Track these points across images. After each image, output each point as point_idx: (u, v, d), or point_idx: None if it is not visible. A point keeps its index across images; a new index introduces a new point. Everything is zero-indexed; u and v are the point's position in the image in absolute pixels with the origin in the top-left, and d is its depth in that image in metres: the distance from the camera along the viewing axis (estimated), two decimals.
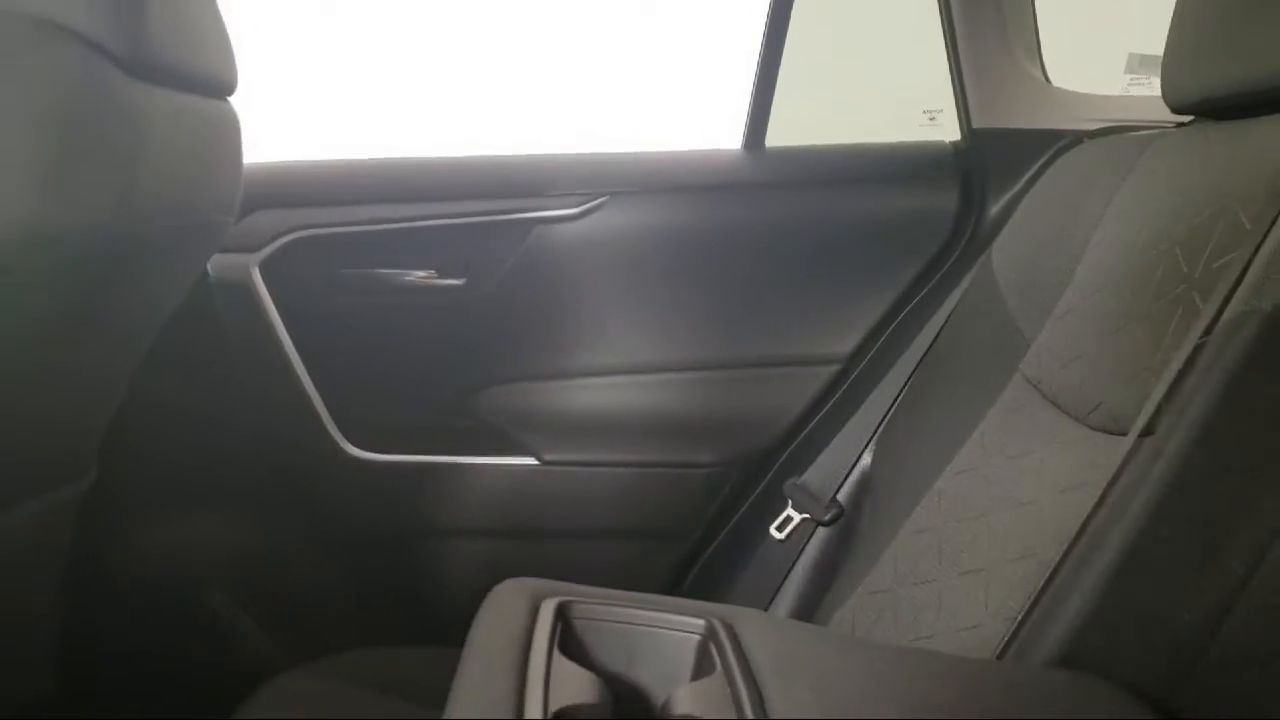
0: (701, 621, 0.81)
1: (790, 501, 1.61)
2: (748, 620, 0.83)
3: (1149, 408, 0.98)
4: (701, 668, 0.78)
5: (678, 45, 2.28)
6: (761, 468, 1.73)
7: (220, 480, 1.69)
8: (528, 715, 0.64)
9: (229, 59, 1.19)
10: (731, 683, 0.72)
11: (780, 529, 1.60)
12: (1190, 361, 0.95)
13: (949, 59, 1.69)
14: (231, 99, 1.23)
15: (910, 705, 0.77)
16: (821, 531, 1.58)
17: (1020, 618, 0.98)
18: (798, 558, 1.59)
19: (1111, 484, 0.98)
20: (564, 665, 0.73)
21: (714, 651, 0.77)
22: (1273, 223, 0.97)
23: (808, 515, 1.58)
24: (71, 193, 0.91)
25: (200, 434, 1.64)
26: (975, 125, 1.70)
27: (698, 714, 0.69)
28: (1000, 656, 0.98)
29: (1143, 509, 0.92)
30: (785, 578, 1.59)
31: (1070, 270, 1.26)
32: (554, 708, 0.66)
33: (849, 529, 1.55)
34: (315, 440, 1.70)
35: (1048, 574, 0.98)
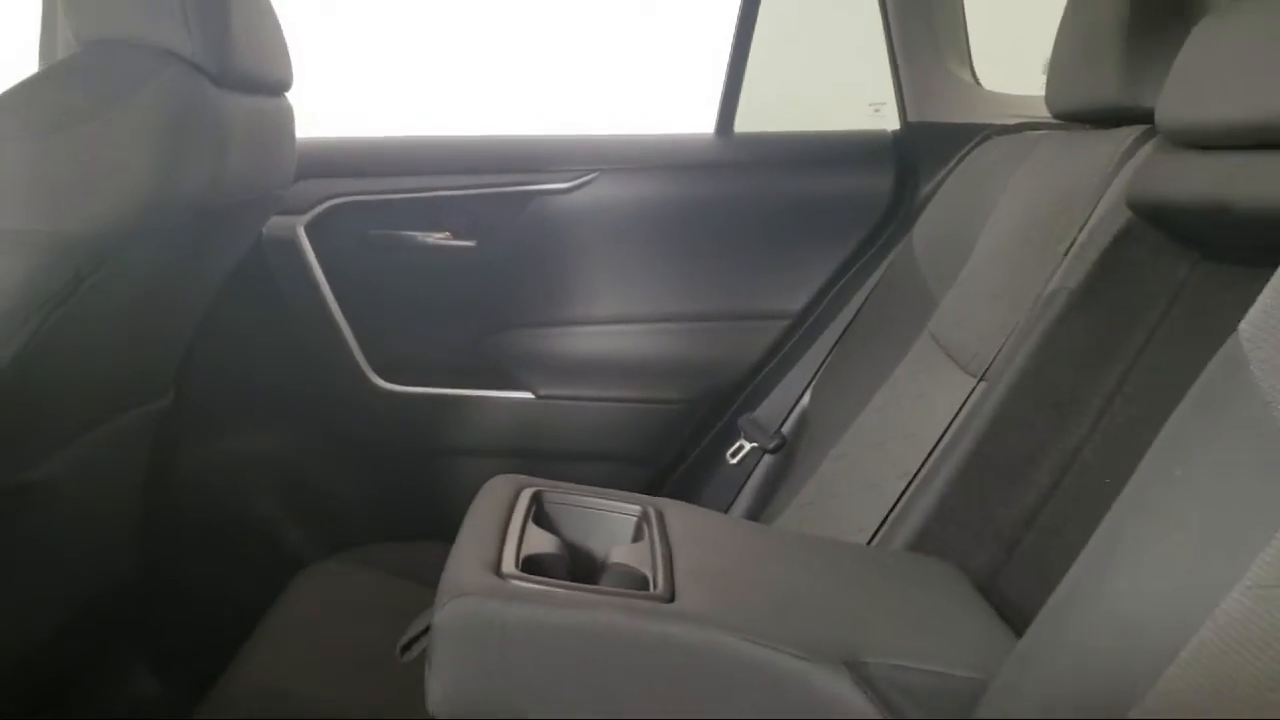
0: (638, 506, 1.06)
1: (743, 433, 1.84)
2: (672, 507, 1.08)
3: (989, 358, 1.25)
4: (636, 537, 1.03)
5: (668, 41, 2.48)
6: (721, 405, 1.95)
7: (268, 402, 1.93)
8: (505, 561, 0.89)
9: (287, 63, 1.44)
10: (652, 545, 0.97)
11: (734, 456, 1.83)
12: (1023, 324, 1.21)
13: (890, 61, 1.91)
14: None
15: (783, 562, 1.03)
16: (767, 458, 1.81)
17: (885, 515, 1.24)
18: (747, 479, 1.82)
19: (956, 415, 1.24)
20: (535, 531, 0.98)
21: (645, 526, 1.02)
22: (1087, 219, 1.22)
23: (756, 444, 1.80)
24: (177, 177, 1.17)
25: (253, 363, 1.87)
26: (910, 119, 1.92)
27: (626, 563, 0.95)
28: (870, 541, 1.24)
29: (976, 434, 1.17)
30: (737, 495, 1.82)
31: (971, 246, 1.49)
32: (523, 556, 0.91)
33: (788, 456, 1.77)
34: (348, 372, 1.93)
35: (910, 472, 1.24)
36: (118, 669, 1.73)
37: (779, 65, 2.06)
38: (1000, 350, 1.23)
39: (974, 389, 1.23)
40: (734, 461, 1.83)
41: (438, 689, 0.83)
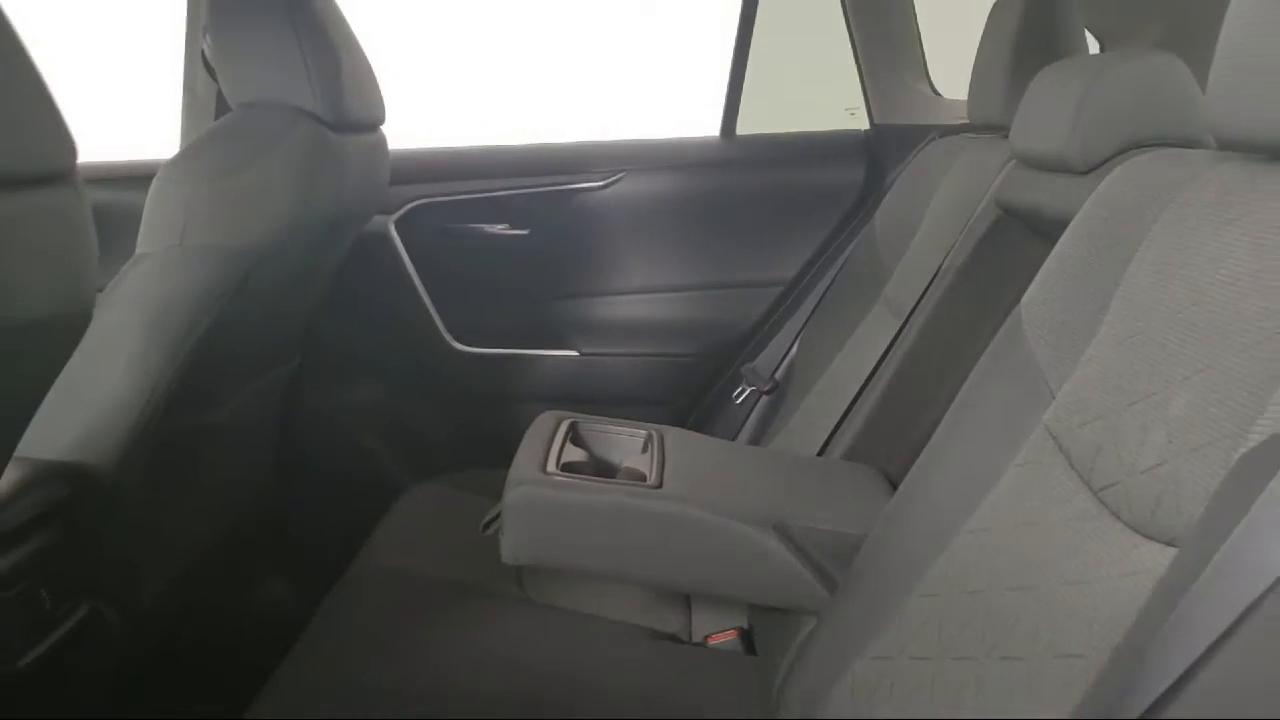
0: (645, 430, 1.42)
1: (744, 379, 2.15)
2: (670, 432, 1.44)
3: (909, 310, 1.56)
4: (643, 450, 1.39)
5: (686, 55, 2.77)
6: (727, 356, 2.26)
7: (370, 361, 2.25)
8: (549, 464, 1.26)
9: (381, 105, 1.78)
10: (652, 455, 1.34)
11: (738, 397, 2.14)
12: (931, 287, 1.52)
13: (858, 73, 2.22)
14: None
15: (741, 465, 1.39)
16: (764, 398, 2.13)
17: (830, 429, 1.57)
18: (748, 415, 2.13)
19: (891, 346, 1.55)
20: (570, 448, 1.35)
21: (649, 444, 1.39)
22: (975, 212, 1.54)
23: (755, 388, 2.13)
24: (309, 204, 1.53)
25: (358, 331, 2.19)
26: (877, 121, 2.23)
27: (633, 466, 1.32)
28: (819, 454, 1.58)
29: (899, 361, 1.50)
30: (740, 428, 2.13)
31: (916, 227, 1.80)
32: (562, 462, 1.28)
33: (780, 395, 2.08)
34: (430, 337, 2.25)
35: (850, 400, 1.56)
36: (255, 573, 2.05)
37: (773, 77, 2.34)
38: (916, 305, 1.56)
39: (899, 333, 1.55)
40: (738, 401, 2.15)
41: (508, 546, 1.21)
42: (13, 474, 1.28)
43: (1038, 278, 1.09)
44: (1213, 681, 0.52)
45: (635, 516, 1.20)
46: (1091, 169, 1.17)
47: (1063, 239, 1.08)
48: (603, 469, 1.35)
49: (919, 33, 2.20)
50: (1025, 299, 1.09)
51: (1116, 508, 0.80)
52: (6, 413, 1.08)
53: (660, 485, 1.24)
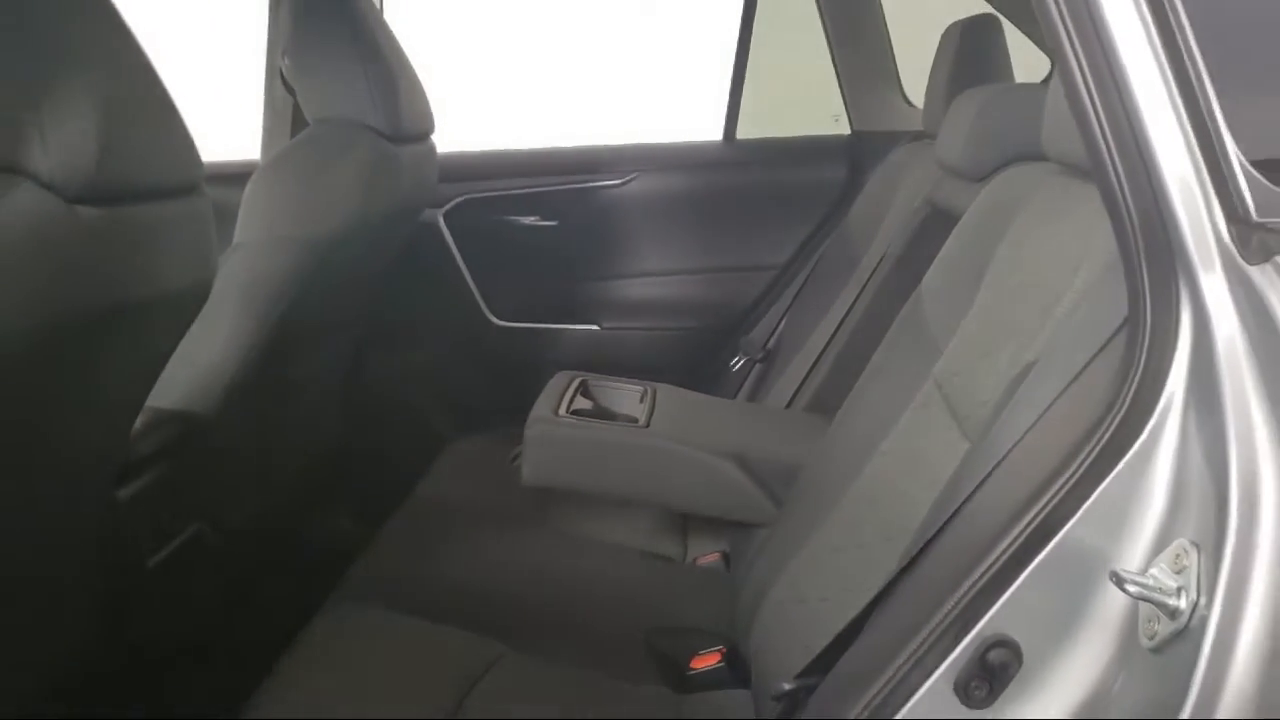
0: (642, 386, 1.69)
1: (741, 349, 2.39)
2: (664, 388, 1.71)
3: (866, 277, 1.79)
4: (640, 401, 1.66)
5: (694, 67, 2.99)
6: (727, 330, 2.49)
7: (422, 330, 2.48)
8: (560, 409, 1.53)
9: (430, 117, 2.05)
10: (645, 405, 1.61)
11: (734, 365, 2.38)
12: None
13: (840, 88, 2.45)
14: None
15: (716, 413, 1.66)
16: (758, 367, 2.35)
17: (796, 388, 1.82)
18: (743, 382, 2.36)
19: (843, 320, 1.80)
20: (580, 399, 1.62)
21: (645, 396, 1.65)
22: (915, 206, 1.77)
23: (749, 357, 2.36)
24: (373, 200, 1.80)
25: (412, 305, 2.40)
26: (856, 127, 2.46)
27: (628, 412, 1.59)
28: (787, 407, 1.83)
29: (848, 333, 1.74)
30: (737, 392, 2.34)
31: (880, 221, 2.04)
32: (572, 409, 1.55)
33: (770, 364, 2.31)
34: (473, 312, 2.50)
35: (811, 364, 1.81)
36: (324, 507, 2.26)
37: (769, 87, 2.58)
38: (863, 287, 1.80)
39: (855, 299, 1.80)
40: (735, 369, 2.39)
41: (527, 471, 1.49)
42: (141, 419, 1.56)
43: (934, 264, 1.35)
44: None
45: (626, 448, 1.48)
46: (982, 178, 1.41)
47: (953, 233, 1.33)
48: (604, 415, 1.63)
49: (892, 49, 2.42)
50: (924, 281, 1.35)
51: (968, 436, 1.06)
52: (148, 368, 1.37)
53: (648, 426, 1.52)
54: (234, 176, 1.77)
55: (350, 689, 1.29)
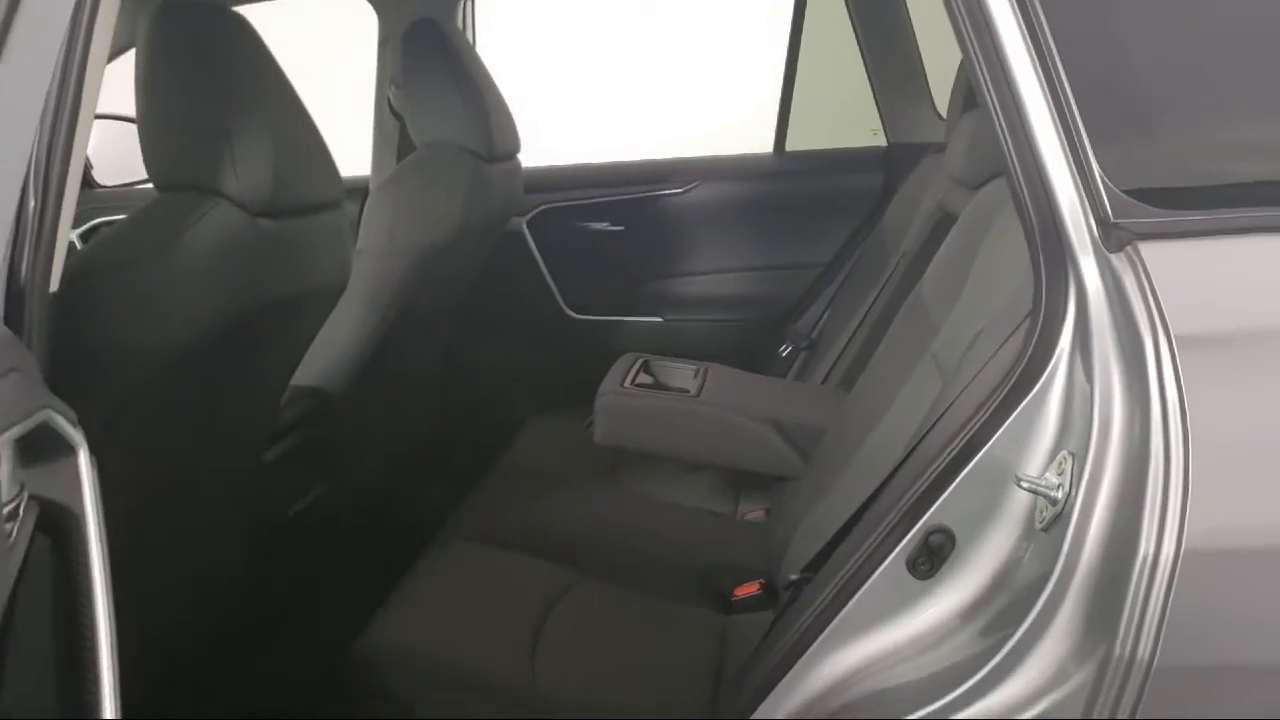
0: (696, 365, 1.94)
1: (789, 338, 2.60)
2: (715, 367, 1.96)
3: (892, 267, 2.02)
4: (694, 378, 1.91)
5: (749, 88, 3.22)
6: (777, 321, 2.69)
7: (507, 325, 2.73)
8: (625, 383, 1.79)
9: (517, 139, 2.31)
10: (698, 380, 1.86)
11: (783, 352, 2.59)
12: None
13: (876, 104, 2.67)
14: None
15: (759, 386, 1.90)
16: (803, 354, 2.56)
17: (830, 365, 2.05)
18: (790, 367, 2.56)
19: (868, 310, 2.04)
20: (642, 375, 1.88)
21: (698, 373, 1.91)
22: (930, 212, 1.99)
23: (796, 345, 2.58)
24: (471, 212, 2.07)
25: (499, 303, 2.64)
26: (891, 140, 2.67)
27: (683, 386, 1.85)
28: (822, 383, 2.07)
29: (871, 321, 1.97)
30: (784, 377, 2.56)
31: (909, 223, 2.26)
32: (636, 384, 1.81)
33: (814, 351, 2.52)
34: (552, 307, 2.75)
35: (843, 347, 2.04)
36: (419, 488, 2.43)
37: (815, 103, 2.80)
38: (895, 267, 2.02)
39: (879, 292, 2.03)
40: (783, 355, 2.59)
41: (598, 433, 1.75)
42: (285, 394, 1.85)
43: (934, 260, 1.58)
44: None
45: (679, 414, 1.74)
46: (977, 186, 1.63)
47: (950, 232, 1.57)
48: (662, 388, 1.89)
49: (923, 67, 2.61)
50: (926, 274, 1.58)
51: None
52: (297, 351, 1.66)
53: (698, 396, 1.78)
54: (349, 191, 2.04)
55: (455, 605, 1.57)
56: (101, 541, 0.82)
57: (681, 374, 1.94)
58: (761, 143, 2.82)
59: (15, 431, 0.71)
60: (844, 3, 2.59)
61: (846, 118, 2.79)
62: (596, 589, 1.63)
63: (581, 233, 2.74)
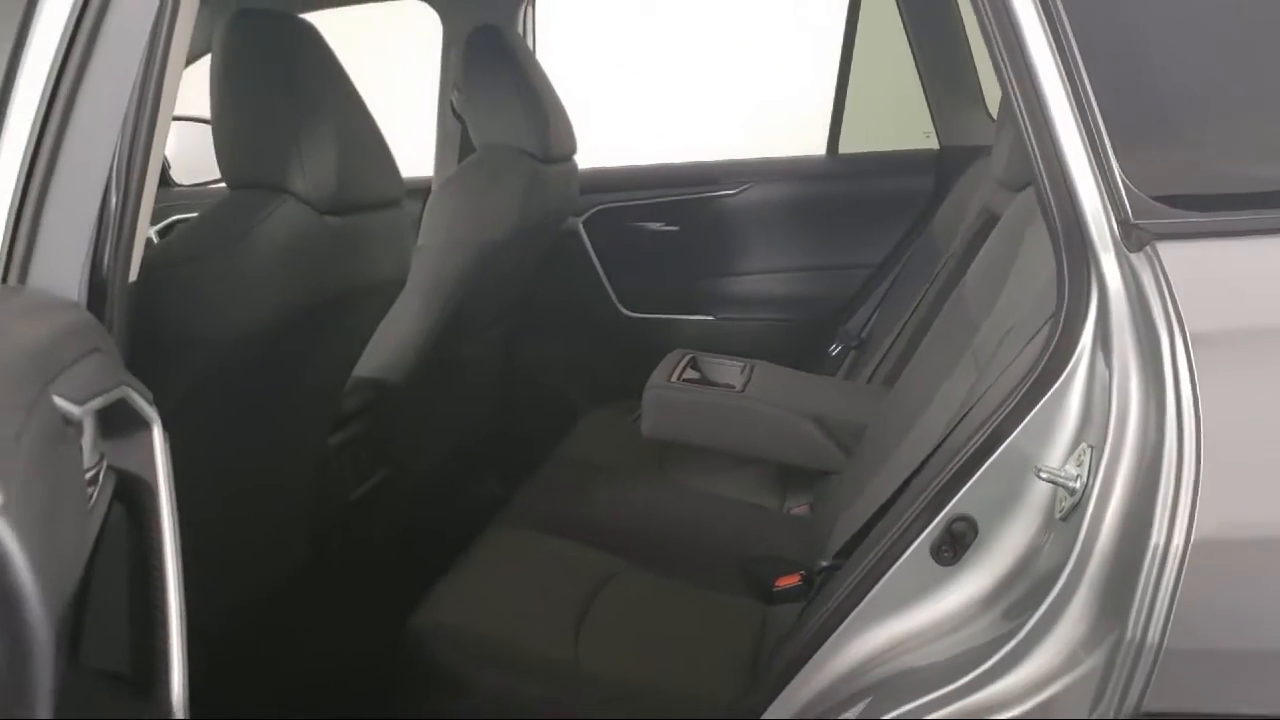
0: (742, 362, 1.98)
1: (839, 337, 2.62)
2: (760, 363, 2.00)
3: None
4: (740, 374, 1.95)
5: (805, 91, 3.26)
6: (828, 321, 2.71)
7: (563, 321, 2.79)
8: (672, 378, 1.84)
9: (573, 141, 2.37)
10: (744, 374, 1.90)
11: (833, 350, 2.62)
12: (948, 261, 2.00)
13: (928, 107, 2.68)
14: None
15: (803, 384, 1.93)
16: (853, 353, 2.58)
17: (875, 367, 2.08)
18: (841, 364, 2.59)
19: (914, 309, 2.06)
20: (689, 370, 1.92)
21: (744, 370, 1.94)
22: (978, 212, 2.00)
23: (845, 345, 2.61)
24: (527, 210, 2.13)
25: (555, 299, 2.71)
26: (943, 143, 2.68)
27: (729, 381, 1.88)
28: (868, 381, 2.09)
29: (916, 320, 1.99)
30: (835, 373, 2.62)
31: (958, 225, 2.27)
32: (683, 378, 1.86)
33: (863, 351, 2.55)
34: (606, 305, 2.80)
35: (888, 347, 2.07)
36: (476, 477, 2.55)
37: (868, 107, 2.83)
38: (941, 268, 2.04)
39: (925, 292, 2.05)
40: (833, 354, 2.62)
41: (646, 426, 1.80)
42: (348, 384, 1.91)
43: (976, 260, 1.60)
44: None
45: (724, 408, 1.78)
46: (1020, 188, 1.65)
47: (992, 234, 1.59)
48: (708, 383, 1.93)
49: (975, 70, 2.62)
50: (968, 273, 1.60)
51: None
52: (359, 340, 1.73)
53: (743, 391, 1.81)
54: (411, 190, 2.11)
55: (504, 588, 1.62)
56: (173, 511, 0.88)
57: (728, 370, 1.98)
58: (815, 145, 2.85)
59: (97, 403, 0.77)
60: (896, 6, 2.60)
61: (900, 120, 2.80)
62: (641, 576, 1.68)
63: (636, 233, 2.79)
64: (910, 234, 2.67)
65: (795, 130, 2.92)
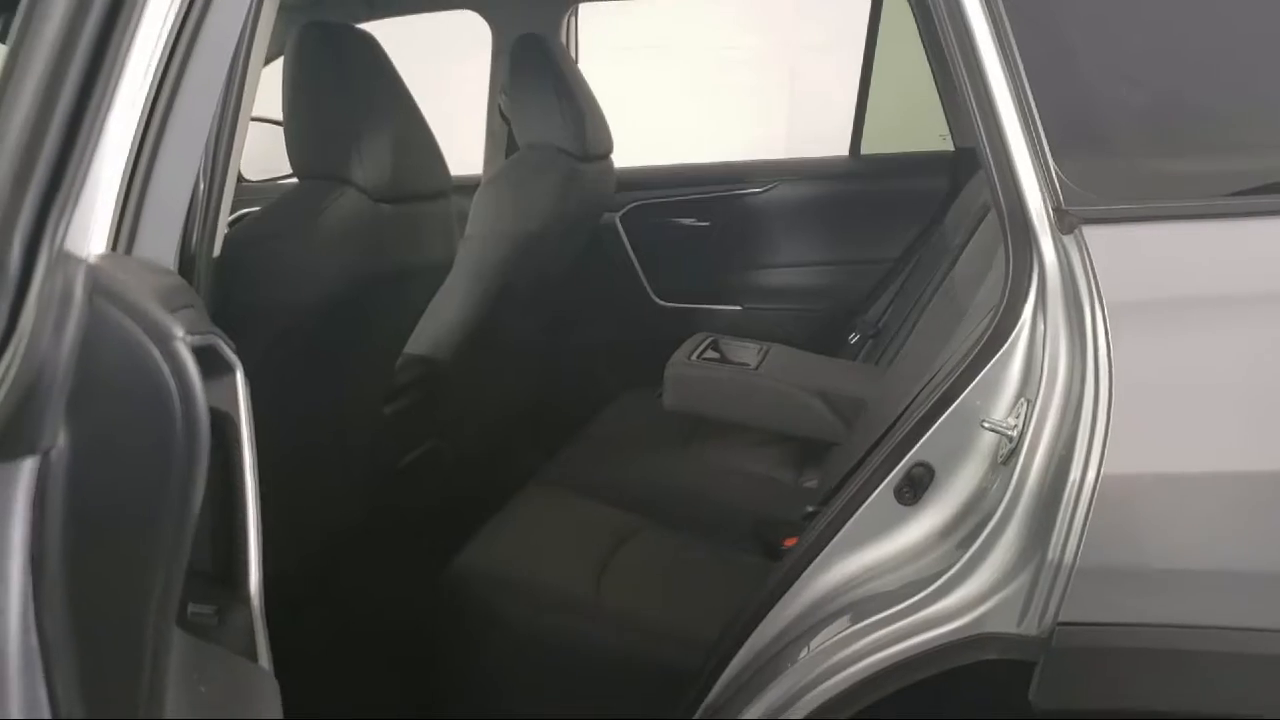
0: (760, 344, 2.12)
1: (857, 326, 2.74)
2: (776, 346, 2.13)
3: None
4: (756, 355, 2.08)
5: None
6: (847, 312, 2.80)
7: (600, 310, 2.92)
8: (692, 358, 1.98)
9: (610, 140, 2.52)
10: (760, 354, 2.03)
11: (851, 339, 2.76)
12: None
13: (944, 112, 2.79)
14: None
15: (816, 365, 2.07)
16: (870, 342, 2.71)
17: (885, 346, 2.21)
18: (859, 352, 2.71)
19: (919, 297, 2.18)
20: (709, 351, 2.06)
21: (761, 351, 2.08)
22: (980, 210, 2.13)
23: (863, 334, 2.73)
24: (565, 205, 2.29)
25: (592, 290, 2.83)
26: (957, 145, 2.79)
27: (745, 361, 2.02)
28: (875, 364, 2.22)
29: (921, 307, 2.11)
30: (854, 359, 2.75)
31: (963, 223, 2.39)
32: (703, 358, 2.00)
33: (878, 339, 2.69)
34: (641, 295, 2.93)
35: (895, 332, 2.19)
36: (516, 449, 2.64)
37: (889, 110, 2.94)
38: (954, 263, 2.15)
39: (924, 289, 2.17)
40: (851, 342, 2.75)
41: (667, 400, 1.94)
42: (400, 360, 2.07)
43: (965, 251, 1.72)
44: None
45: (738, 384, 1.92)
46: None
47: (979, 227, 1.71)
48: (727, 362, 2.07)
49: None
50: (958, 264, 1.72)
51: None
52: (411, 317, 1.89)
53: (757, 369, 1.95)
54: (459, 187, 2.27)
55: (536, 537, 1.78)
56: (252, 441, 1.04)
57: (745, 351, 2.11)
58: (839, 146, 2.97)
59: (195, 340, 0.93)
60: (913, 17, 2.72)
61: (918, 124, 2.91)
62: (661, 532, 1.83)
63: (670, 228, 2.92)
64: (926, 231, 2.75)
65: (819, 132, 3.03)
